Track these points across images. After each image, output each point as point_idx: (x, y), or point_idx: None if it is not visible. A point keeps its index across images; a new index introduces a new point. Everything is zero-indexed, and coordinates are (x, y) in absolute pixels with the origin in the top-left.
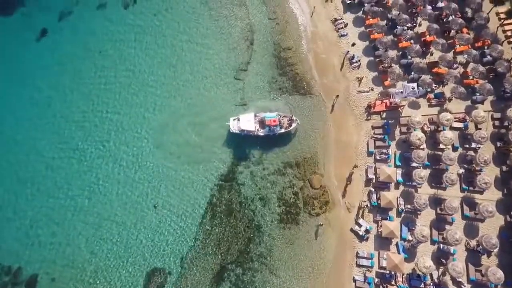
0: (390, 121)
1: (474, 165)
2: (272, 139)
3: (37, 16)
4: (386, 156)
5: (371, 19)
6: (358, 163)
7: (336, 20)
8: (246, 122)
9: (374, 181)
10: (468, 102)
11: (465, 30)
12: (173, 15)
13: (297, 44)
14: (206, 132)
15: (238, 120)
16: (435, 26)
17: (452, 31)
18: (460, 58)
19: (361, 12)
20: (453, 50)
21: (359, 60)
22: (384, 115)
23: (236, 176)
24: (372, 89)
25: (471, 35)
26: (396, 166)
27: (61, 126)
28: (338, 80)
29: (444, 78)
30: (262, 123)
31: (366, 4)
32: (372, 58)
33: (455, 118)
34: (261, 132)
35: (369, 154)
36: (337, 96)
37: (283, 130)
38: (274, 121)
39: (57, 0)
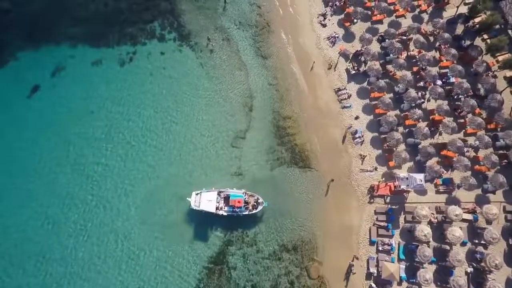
0: (394, 207)
1: (483, 264)
2: (268, 216)
3: (29, 71)
4: (390, 247)
5: (376, 93)
6: (359, 253)
7: (339, 90)
8: (207, 202)
9: (375, 275)
10: (479, 191)
11: (477, 110)
12: (169, 77)
13: (297, 114)
14: None
15: (201, 195)
16: (445, 107)
17: (464, 112)
18: (471, 140)
19: (366, 82)
20: (463, 131)
21: (362, 136)
22: (388, 199)
23: (227, 258)
24: (376, 169)
25: (483, 114)
26: (399, 259)
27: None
28: (339, 155)
29: (453, 163)
30: (227, 200)
31: (371, 77)
32: (376, 134)
33: (464, 209)
34: (223, 212)
35: (371, 243)
36: (332, 180)
37: (247, 212)
38: (239, 201)
39: (51, 55)
